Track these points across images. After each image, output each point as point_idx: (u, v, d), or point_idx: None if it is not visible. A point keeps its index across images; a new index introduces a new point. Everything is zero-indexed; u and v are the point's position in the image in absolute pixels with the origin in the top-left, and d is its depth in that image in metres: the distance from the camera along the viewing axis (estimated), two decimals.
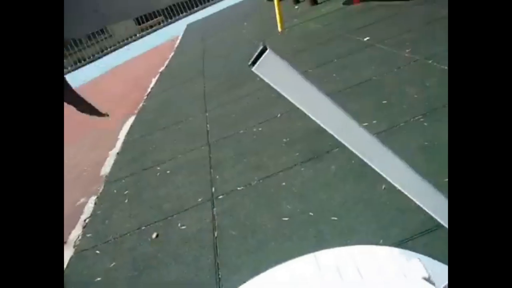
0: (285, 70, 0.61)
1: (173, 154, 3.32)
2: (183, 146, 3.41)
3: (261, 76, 0.61)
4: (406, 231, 1.62)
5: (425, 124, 2.31)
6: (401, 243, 1.58)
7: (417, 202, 0.70)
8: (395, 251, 0.89)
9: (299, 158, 2.45)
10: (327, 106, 0.63)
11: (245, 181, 2.45)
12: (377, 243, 1.60)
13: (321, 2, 7.47)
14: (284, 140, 2.74)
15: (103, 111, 1.16)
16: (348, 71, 3.59)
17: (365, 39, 4.24)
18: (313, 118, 0.64)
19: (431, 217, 0.70)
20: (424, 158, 2.00)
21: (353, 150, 0.66)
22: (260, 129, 3.10)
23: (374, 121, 2.52)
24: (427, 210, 0.70)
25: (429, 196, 0.69)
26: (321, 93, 0.62)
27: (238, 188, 2.40)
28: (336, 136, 0.64)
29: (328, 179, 2.15)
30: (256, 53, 0.59)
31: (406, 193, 0.70)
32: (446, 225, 0.64)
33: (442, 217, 0.68)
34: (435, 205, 0.69)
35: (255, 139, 2.97)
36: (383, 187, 1.84)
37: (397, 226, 1.66)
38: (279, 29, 6.27)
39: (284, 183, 2.28)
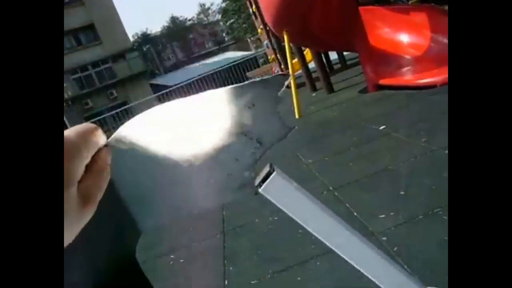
0: (292, 192, 0.62)
1: (188, 242, 3.28)
2: (198, 233, 3.37)
3: (268, 198, 0.61)
4: None
5: (444, 217, 2.25)
6: None
7: None
8: None
9: (315, 251, 2.38)
10: (338, 230, 0.63)
11: (259, 274, 2.38)
12: None
13: (338, 90, 7.72)
14: (300, 231, 2.69)
15: None
16: (364, 160, 3.60)
17: (381, 128, 4.30)
18: (325, 241, 0.63)
19: None
20: (444, 253, 1.92)
21: (367, 275, 0.64)
22: (276, 218, 3.06)
23: (392, 213, 2.47)
24: None
25: None
26: (331, 217, 0.62)
27: (252, 282, 2.32)
28: (349, 261, 0.63)
29: (345, 275, 2.07)
30: (264, 174, 0.60)
31: None
32: None
33: None
34: None
35: (270, 229, 2.92)
36: None
37: None
38: (296, 116, 6.44)
39: (299, 278, 2.20)
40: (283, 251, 2.54)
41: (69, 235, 0.32)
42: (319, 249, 2.39)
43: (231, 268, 2.58)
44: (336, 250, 0.61)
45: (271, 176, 0.60)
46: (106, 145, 0.40)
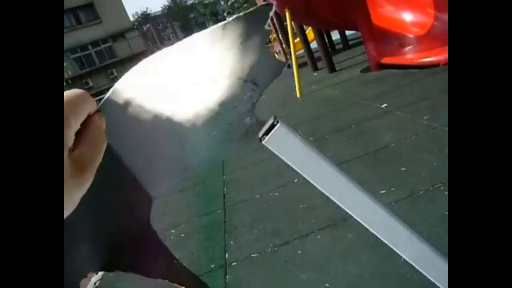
0: (297, 144, 0.61)
1: (189, 217, 3.30)
2: (199, 209, 3.39)
3: (272, 150, 0.60)
4: None
5: (445, 192, 2.25)
6: None
7: (429, 277, 0.66)
8: None
9: (315, 225, 2.40)
10: (340, 181, 0.62)
11: (259, 247, 2.39)
12: None
13: (339, 70, 7.67)
14: (301, 206, 2.70)
15: None
16: (366, 138, 3.59)
17: (383, 106, 4.28)
18: (326, 193, 0.62)
19: None
20: (445, 229, 1.93)
21: (367, 227, 0.63)
22: (276, 194, 3.07)
23: (393, 189, 2.48)
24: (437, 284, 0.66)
25: (434, 266, 0.65)
26: (334, 168, 0.61)
27: (252, 255, 2.34)
28: (350, 212, 0.62)
29: (344, 248, 2.09)
30: (267, 126, 0.58)
31: (418, 267, 0.66)
32: None
33: None
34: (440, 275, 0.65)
35: (271, 204, 2.93)
36: (402, 259, 1.76)
37: None
38: (298, 95, 6.41)
39: (299, 251, 2.21)
40: (283, 225, 2.55)
41: (68, 205, 0.32)
42: (319, 223, 2.40)
43: (231, 242, 2.59)
44: (337, 202, 0.61)
45: (274, 128, 0.59)
46: (98, 111, 0.38)
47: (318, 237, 2.28)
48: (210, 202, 3.45)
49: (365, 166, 2.96)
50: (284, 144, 0.60)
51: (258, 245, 2.43)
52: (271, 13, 0.50)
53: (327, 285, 1.85)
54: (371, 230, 0.63)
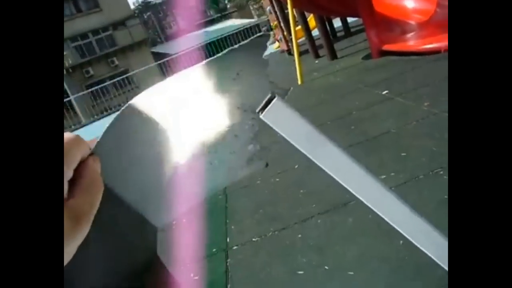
0: (293, 118, 0.62)
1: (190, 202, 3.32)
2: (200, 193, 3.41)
3: (269, 124, 0.61)
4: None
5: (445, 177, 2.27)
6: None
7: (435, 259, 0.68)
8: None
9: (315, 210, 2.42)
10: (336, 155, 0.63)
11: (260, 232, 2.42)
12: None
13: (341, 57, 7.64)
14: (301, 191, 2.72)
15: None
16: (367, 124, 3.60)
17: (384, 93, 4.28)
18: (321, 166, 0.63)
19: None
20: (444, 212, 1.95)
21: (361, 198, 0.65)
22: (277, 179, 3.09)
23: (392, 174, 2.49)
24: (438, 262, 0.67)
25: (434, 243, 0.67)
26: (329, 142, 0.62)
27: (253, 239, 2.37)
28: (344, 185, 0.63)
29: (344, 232, 2.11)
30: (265, 101, 0.60)
31: (422, 249, 0.67)
32: None
33: None
34: (441, 252, 0.66)
35: (272, 190, 2.96)
36: (401, 242, 1.79)
37: (416, 283, 1.59)
38: (299, 82, 6.40)
39: (300, 235, 2.24)
40: (284, 210, 2.58)
41: (64, 257, 0.30)
42: (319, 208, 2.42)
43: (232, 226, 2.62)
44: (333, 176, 0.62)
45: (272, 102, 0.60)
46: (92, 153, 0.36)
47: (318, 221, 2.30)
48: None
49: (366, 152, 2.97)
50: (280, 118, 0.61)
51: (259, 230, 2.45)
52: (269, 43, 0.51)
53: (327, 267, 1.88)
54: (365, 202, 0.64)
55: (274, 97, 0.60)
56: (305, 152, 0.63)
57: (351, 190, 0.63)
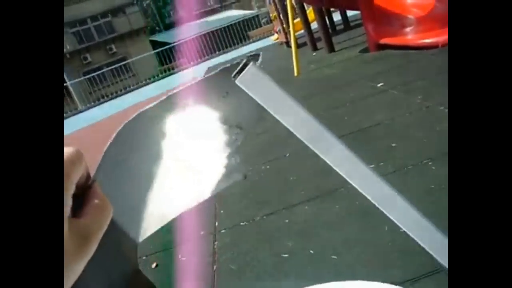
0: (266, 83, 0.63)
1: None
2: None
3: (243, 88, 0.62)
4: (408, 273, 1.57)
5: (433, 167, 2.29)
6: (401, 285, 1.53)
7: (422, 244, 0.68)
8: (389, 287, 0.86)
9: (303, 197, 2.43)
10: (305, 119, 0.64)
11: (248, 216, 2.43)
12: None
13: (339, 50, 7.63)
14: (291, 178, 2.74)
15: None
16: (360, 115, 3.61)
17: (379, 85, 4.29)
18: (292, 130, 0.64)
19: (434, 259, 0.68)
20: (430, 200, 1.97)
21: (335, 168, 0.65)
22: (268, 167, 3.11)
23: (381, 163, 2.51)
24: (434, 256, 0.68)
25: (432, 238, 0.67)
26: (299, 107, 0.63)
27: (241, 223, 2.38)
28: (315, 150, 0.64)
29: (331, 218, 2.13)
30: (240, 66, 0.61)
31: (410, 234, 0.67)
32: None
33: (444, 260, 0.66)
34: (438, 248, 0.67)
35: (262, 177, 2.97)
36: (386, 228, 1.81)
37: (399, 267, 1.61)
38: (295, 73, 6.40)
39: (287, 220, 2.25)
40: (272, 196, 2.59)
41: (70, 276, 0.30)
42: (308, 195, 2.44)
43: (222, 211, 2.64)
44: (301, 138, 0.63)
45: (247, 67, 0.61)
46: (94, 181, 0.37)
47: (306, 207, 2.32)
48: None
49: (357, 142, 2.98)
50: (254, 83, 0.62)
51: (247, 214, 2.47)
52: (257, 63, 0.53)
53: (312, 251, 1.89)
54: (341, 174, 0.65)
55: (249, 62, 0.61)
56: (276, 116, 0.64)
57: (319, 154, 0.64)
